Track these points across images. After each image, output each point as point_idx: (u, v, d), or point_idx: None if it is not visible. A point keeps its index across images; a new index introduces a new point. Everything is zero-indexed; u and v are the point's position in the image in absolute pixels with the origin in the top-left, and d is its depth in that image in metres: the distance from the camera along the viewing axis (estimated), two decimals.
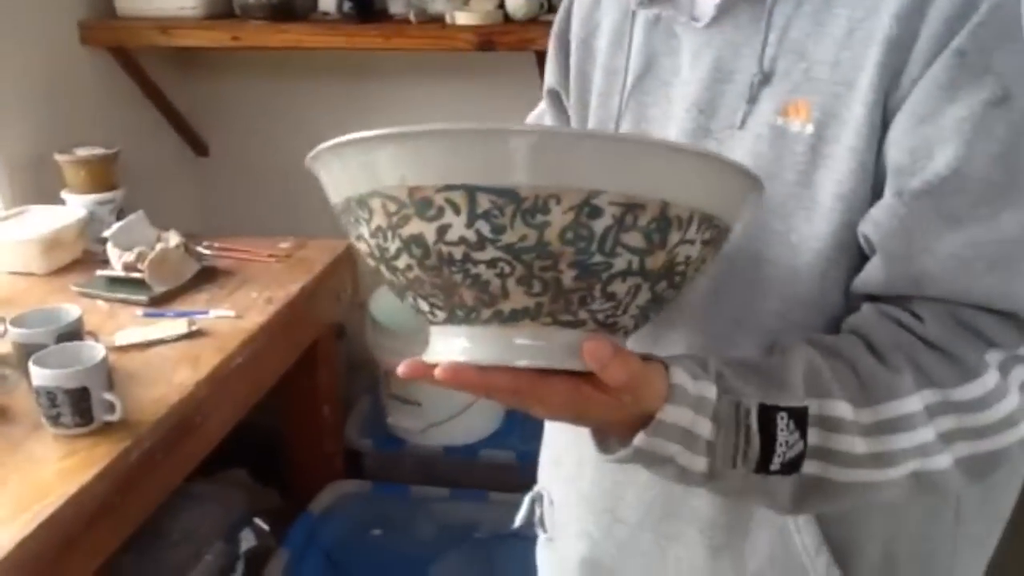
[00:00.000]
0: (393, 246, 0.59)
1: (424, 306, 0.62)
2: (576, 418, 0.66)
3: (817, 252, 0.72)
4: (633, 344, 0.67)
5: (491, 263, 0.56)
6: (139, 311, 1.69)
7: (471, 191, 0.54)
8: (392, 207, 0.57)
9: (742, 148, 0.75)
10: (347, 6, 2.07)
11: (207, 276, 1.84)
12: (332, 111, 2.39)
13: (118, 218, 1.95)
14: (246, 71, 2.51)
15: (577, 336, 0.60)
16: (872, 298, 0.72)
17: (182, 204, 2.52)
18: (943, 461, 0.67)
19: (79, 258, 1.92)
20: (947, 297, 0.69)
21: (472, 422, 2.27)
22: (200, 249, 1.90)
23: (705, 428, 0.64)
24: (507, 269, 0.56)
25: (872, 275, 0.71)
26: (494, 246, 0.55)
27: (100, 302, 1.72)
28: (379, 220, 0.58)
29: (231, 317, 1.67)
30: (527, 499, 1.03)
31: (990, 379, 0.67)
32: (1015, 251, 0.68)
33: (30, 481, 1.18)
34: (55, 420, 1.26)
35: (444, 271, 0.58)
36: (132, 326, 1.62)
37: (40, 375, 1.24)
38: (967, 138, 0.66)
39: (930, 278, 0.69)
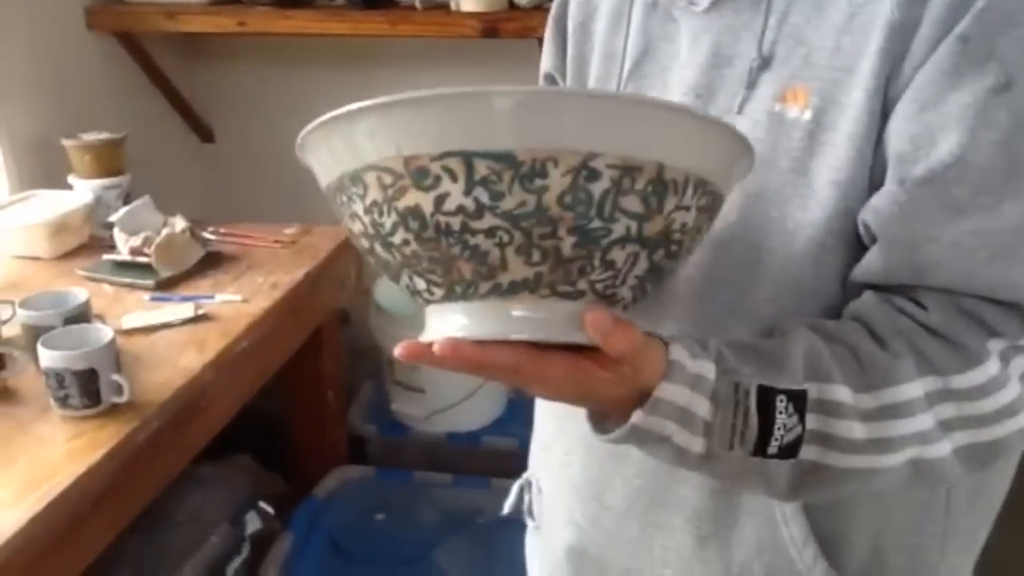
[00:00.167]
0: (389, 221, 0.58)
1: (421, 284, 0.62)
2: (577, 396, 0.66)
3: (812, 239, 0.72)
4: None
5: (489, 232, 0.55)
6: (145, 295, 1.70)
7: (468, 157, 0.54)
8: (388, 179, 0.56)
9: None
10: None
11: (213, 261, 1.85)
12: (337, 98, 2.34)
13: (124, 203, 1.96)
14: (252, 57, 2.52)
15: (577, 307, 0.59)
16: (873, 287, 0.72)
17: (188, 190, 2.53)
18: (942, 449, 0.67)
19: (85, 243, 1.93)
20: (949, 286, 0.68)
21: (475, 409, 2.28)
22: (206, 235, 1.91)
23: (703, 407, 0.64)
24: (506, 238, 0.56)
25: (872, 264, 0.70)
26: (492, 214, 0.55)
27: (106, 286, 1.73)
28: (374, 194, 0.57)
29: (237, 302, 1.68)
30: (516, 486, 1.03)
31: (991, 367, 0.67)
32: (1017, 240, 0.67)
33: (39, 461, 1.19)
34: (63, 402, 1.27)
35: (442, 243, 0.57)
36: (138, 310, 1.62)
37: (48, 357, 1.25)
38: (970, 125, 0.65)
39: (932, 267, 0.68)
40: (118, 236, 1.81)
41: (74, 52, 2.16)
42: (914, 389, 0.66)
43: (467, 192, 0.54)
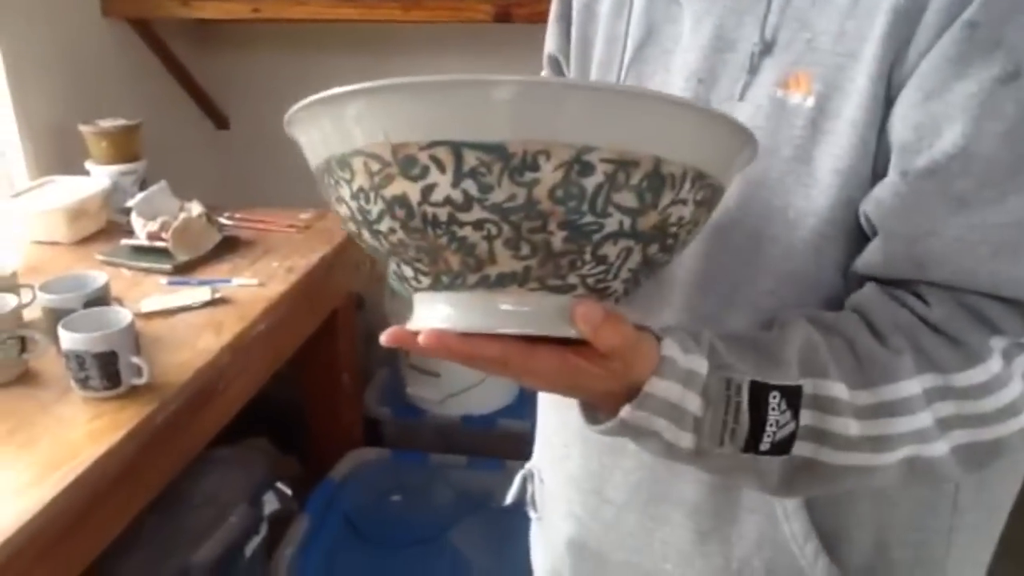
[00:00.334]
0: (376, 208, 0.56)
1: (408, 272, 0.60)
2: (566, 389, 0.64)
3: (814, 229, 0.70)
4: None
5: (477, 224, 0.53)
6: (163, 279, 1.71)
7: (457, 147, 0.51)
8: (375, 166, 0.54)
9: (742, 121, 0.72)
10: None
11: (229, 246, 1.87)
12: (351, 83, 2.40)
13: (140, 189, 1.98)
14: (266, 44, 2.53)
15: (566, 301, 0.57)
16: (875, 279, 0.70)
17: (203, 176, 2.55)
18: (939, 448, 0.65)
19: (103, 228, 1.95)
20: (951, 282, 0.66)
21: (490, 392, 2.30)
22: (222, 220, 1.93)
23: (693, 403, 0.62)
24: (494, 231, 0.54)
25: (873, 256, 0.68)
26: (481, 206, 0.53)
27: (124, 270, 1.75)
28: (361, 181, 0.55)
29: (253, 285, 1.69)
30: (519, 477, 1.02)
31: (994, 365, 0.65)
32: (1021, 235, 0.64)
33: (60, 442, 1.21)
34: (84, 383, 1.28)
35: (429, 234, 0.55)
36: (156, 294, 1.64)
37: (69, 339, 1.27)
38: (975, 115, 0.63)
39: (933, 262, 0.66)
40: (135, 221, 1.82)
41: (90, 39, 2.18)
42: (912, 386, 0.65)
43: (455, 183, 0.52)
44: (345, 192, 0.57)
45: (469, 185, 0.52)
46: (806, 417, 0.63)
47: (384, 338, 0.60)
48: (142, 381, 1.31)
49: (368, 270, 2.09)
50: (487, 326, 0.57)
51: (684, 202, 0.56)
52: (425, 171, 0.53)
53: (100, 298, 1.42)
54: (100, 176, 2.01)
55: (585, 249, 0.55)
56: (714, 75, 0.75)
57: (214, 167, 2.64)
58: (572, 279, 0.57)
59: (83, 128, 2.01)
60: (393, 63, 2.41)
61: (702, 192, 0.57)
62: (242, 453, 1.91)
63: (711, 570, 0.82)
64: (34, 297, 1.44)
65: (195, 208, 1.84)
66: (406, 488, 2.18)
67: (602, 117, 0.52)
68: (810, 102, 0.69)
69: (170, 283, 1.70)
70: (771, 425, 0.63)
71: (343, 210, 0.59)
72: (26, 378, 1.36)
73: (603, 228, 0.54)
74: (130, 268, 1.76)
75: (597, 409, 0.67)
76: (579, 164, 0.52)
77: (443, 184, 0.53)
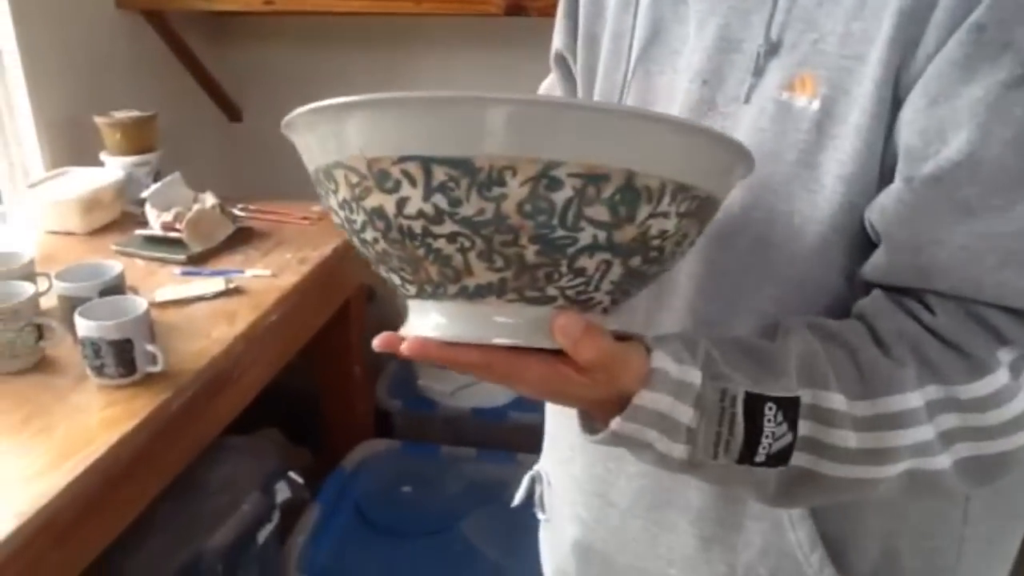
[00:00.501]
0: (359, 219, 0.57)
1: (396, 280, 0.61)
2: (555, 396, 0.64)
3: (819, 235, 0.68)
4: (623, 327, 0.65)
5: (451, 237, 0.54)
6: (177, 270, 1.73)
7: (426, 162, 0.52)
8: (354, 179, 0.55)
9: (746, 124, 0.71)
10: None
11: (242, 237, 1.88)
12: (364, 77, 2.41)
13: (155, 180, 1.99)
14: (279, 36, 2.54)
15: (547, 312, 0.57)
16: (881, 287, 0.68)
17: (216, 168, 2.56)
18: (941, 462, 0.64)
19: (117, 218, 1.97)
20: (956, 292, 0.64)
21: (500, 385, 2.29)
22: (235, 211, 1.94)
23: (686, 415, 0.61)
24: (467, 244, 0.54)
25: (878, 264, 0.67)
26: (452, 220, 0.53)
27: (139, 261, 1.77)
28: (344, 192, 0.57)
29: (266, 276, 1.71)
30: (526, 478, 1.02)
31: (1000, 377, 0.63)
32: None
33: (76, 429, 1.22)
34: (99, 371, 1.30)
35: (407, 245, 0.56)
36: (170, 284, 1.66)
37: (85, 327, 1.28)
38: (982, 121, 0.61)
39: (938, 271, 0.64)
40: (150, 212, 1.84)
41: (104, 31, 2.19)
42: (914, 399, 0.63)
43: (426, 198, 0.53)
44: (333, 201, 0.59)
45: (439, 199, 0.53)
46: (804, 428, 0.62)
47: (376, 343, 0.61)
48: (157, 369, 1.32)
49: None
50: (474, 336, 0.58)
51: (666, 215, 0.56)
52: (398, 185, 0.54)
53: (116, 287, 1.44)
54: (114, 167, 2.02)
55: (560, 262, 0.55)
56: (719, 76, 0.73)
57: (227, 159, 2.65)
58: (551, 291, 0.57)
59: (98, 119, 2.02)
60: (406, 57, 2.42)
61: (686, 204, 0.56)
62: (255, 442, 1.92)
63: None
64: (50, 286, 1.46)
65: (209, 199, 1.85)
66: (417, 479, 2.19)
67: (565, 132, 0.52)
68: (815, 105, 0.68)
69: (184, 273, 1.71)
70: (767, 436, 0.61)
71: (335, 218, 0.61)
72: (43, 365, 1.38)
73: (577, 242, 0.54)
74: (144, 258, 1.78)
75: (594, 419, 0.66)
76: (546, 179, 0.52)
77: (415, 198, 0.53)
